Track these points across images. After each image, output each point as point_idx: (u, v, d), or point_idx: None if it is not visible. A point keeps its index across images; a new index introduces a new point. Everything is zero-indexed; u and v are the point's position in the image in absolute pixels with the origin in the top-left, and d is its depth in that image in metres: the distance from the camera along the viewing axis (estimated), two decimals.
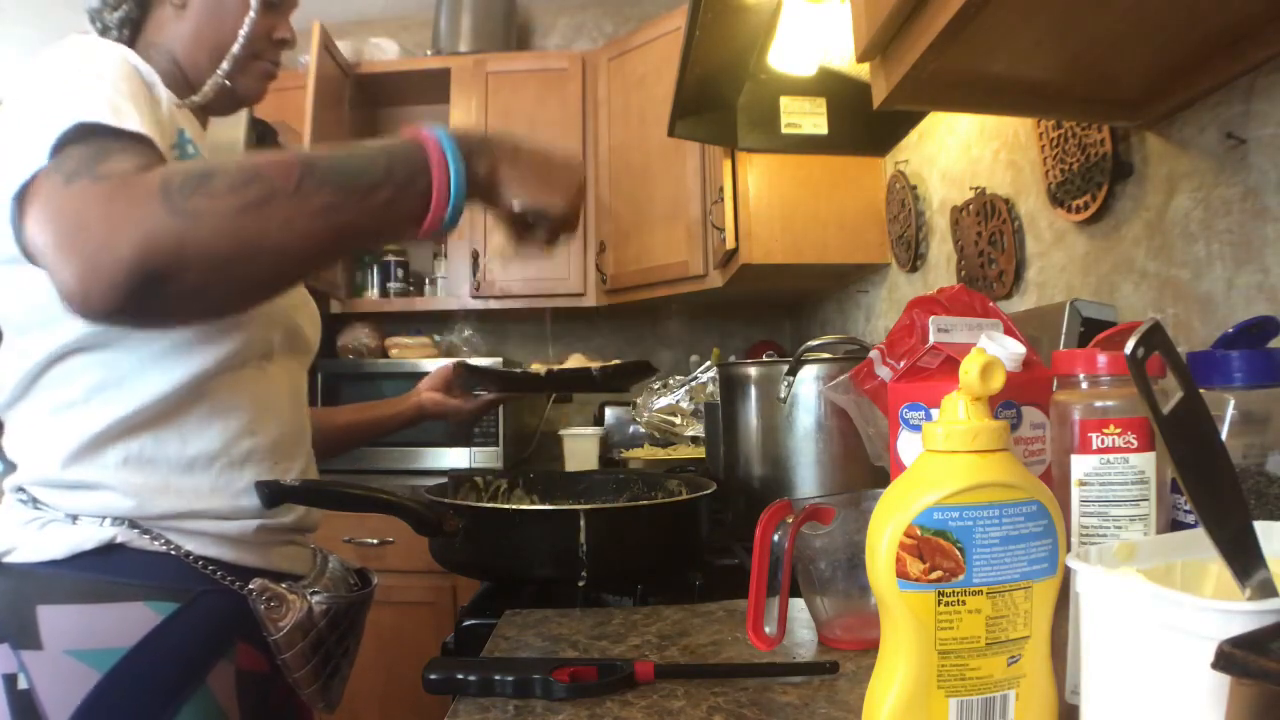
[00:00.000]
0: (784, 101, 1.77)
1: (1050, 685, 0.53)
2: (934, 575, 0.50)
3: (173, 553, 0.79)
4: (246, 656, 0.82)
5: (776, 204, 1.93)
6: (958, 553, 0.50)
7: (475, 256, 2.83)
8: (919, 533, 0.50)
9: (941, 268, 1.64)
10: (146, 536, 0.78)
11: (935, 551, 0.50)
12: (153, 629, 0.75)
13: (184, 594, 0.78)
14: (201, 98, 0.93)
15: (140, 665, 0.75)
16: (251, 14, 0.92)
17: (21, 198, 0.63)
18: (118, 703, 0.74)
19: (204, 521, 0.81)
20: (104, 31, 0.91)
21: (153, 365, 0.79)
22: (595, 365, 1.31)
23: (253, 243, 0.59)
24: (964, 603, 0.50)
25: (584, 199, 0.78)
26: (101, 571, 0.76)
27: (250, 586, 0.81)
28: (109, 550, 0.76)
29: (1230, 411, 0.58)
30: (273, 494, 0.89)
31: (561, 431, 2.77)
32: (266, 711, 0.86)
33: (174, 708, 0.75)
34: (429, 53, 3.09)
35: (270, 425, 0.88)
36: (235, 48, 0.92)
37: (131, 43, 0.91)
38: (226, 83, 0.93)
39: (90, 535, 0.77)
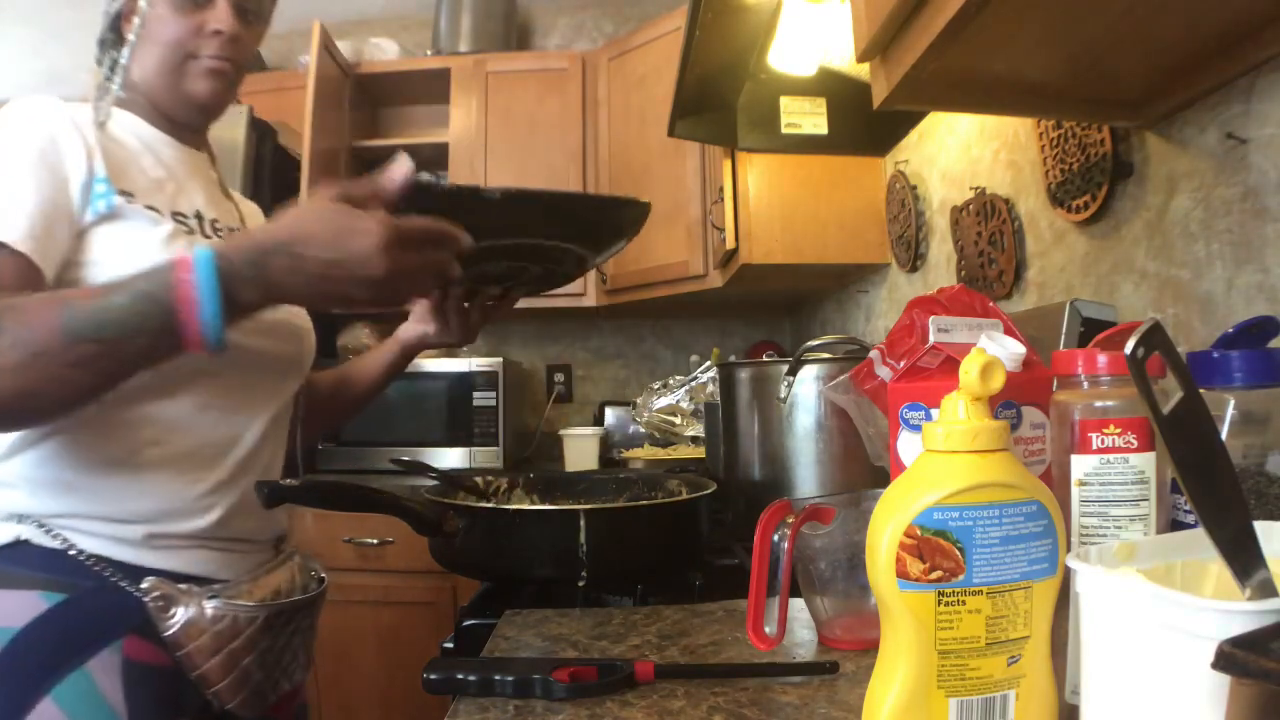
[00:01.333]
0: (784, 101, 1.77)
1: (1050, 685, 0.53)
2: (934, 575, 0.50)
3: (69, 551, 0.85)
4: (138, 649, 0.85)
5: (776, 204, 1.93)
6: (958, 553, 0.50)
7: None
8: (919, 533, 0.50)
9: (941, 268, 1.64)
10: (48, 535, 0.85)
11: (935, 551, 0.50)
12: (39, 614, 0.82)
13: (73, 587, 0.84)
14: (103, 106, 0.92)
15: (24, 645, 0.81)
16: (142, 3, 0.92)
17: None
18: (4, 674, 0.81)
19: (99, 523, 0.86)
20: (108, 76, 0.96)
21: None
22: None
23: (30, 391, 0.71)
24: (964, 603, 0.50)
25: (396, 255, 0.72)
26: (7, 564, 0.84)
27: (142, 585, 0.85)
28: (15, 546, 0.85)
29: (1230, 411, 0.58)
30: (271, 494, 0.89)
31: (561, 431, 2.77)
32: (169, 704, 0.88)
33: (48, 685, 0.81)
34: (429, 53, 3.09)
35: (179, 438, 0.90)
36: (128, 43, 0.93)
37: (125, 85, 0.96)
38: (127, 82, 0.94)
39: (2, 532, 0.85)
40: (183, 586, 0.87)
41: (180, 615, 0.85)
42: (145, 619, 0.85)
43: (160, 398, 0.88)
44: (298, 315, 1.05)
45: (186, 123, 0.99)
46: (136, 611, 0.85)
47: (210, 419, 0.93)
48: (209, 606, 0.86)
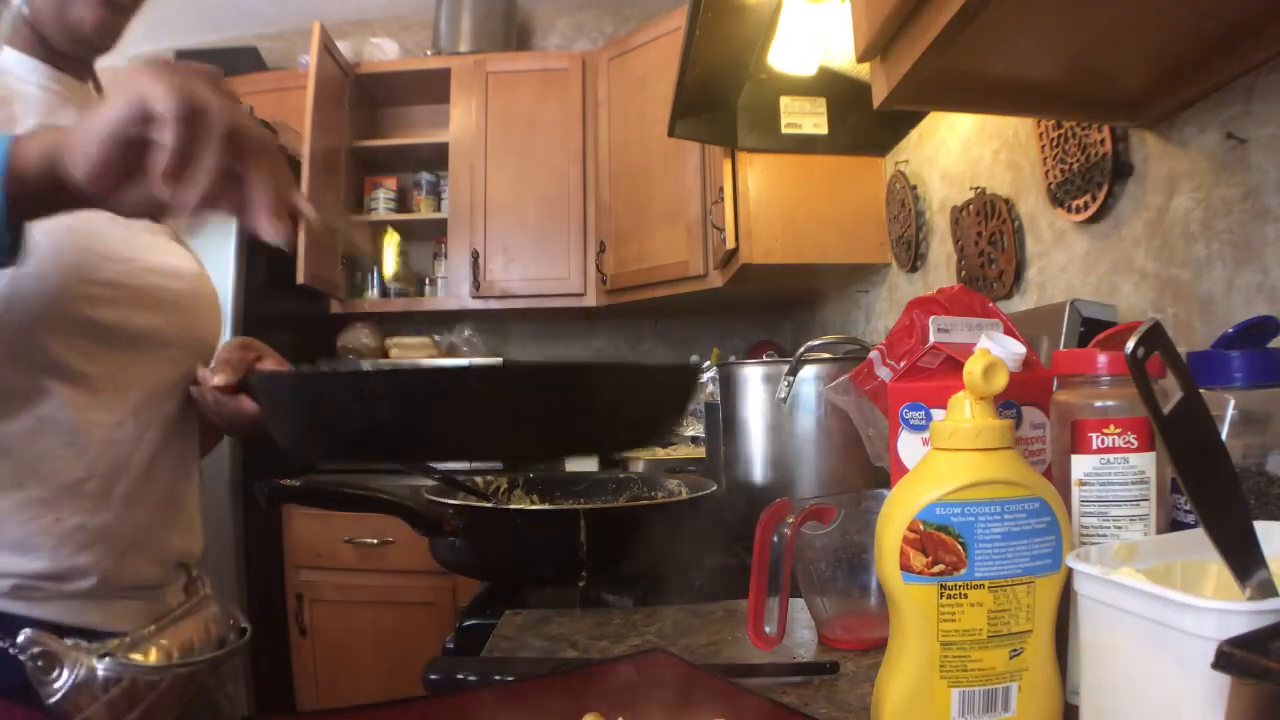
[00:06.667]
0: (784, 101, 1.77)
1: (1054, 680, 0.53)
2: (936, 569, 0.51)
3: None
4: (18, 718, 0.68)
5: (776, 204, 1.93)
6: (959, 547, 0.50)
7: (475, 256, 2.83)
8: (921, 527, 0.51)
9: (941, 268, 1.64)
10: None
11: (937, 546, 0.51)
12: None
13: None
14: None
15: None
16: None
17: None
18: None
19: None
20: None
21: None
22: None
23: None
24: (965, 596, 0.51)
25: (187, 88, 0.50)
26: None
27: (18, 640, 0.67)
28: None
29: (1230, 411, 0.58)
30: (272, 494, 0.89)
31: None
32: None
33: None
34: (429, 53, 3.09)
35: (27, 472, 0.70)
36: None
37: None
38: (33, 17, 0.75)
39: None
40: (69, 642, 0.69)
41: (65, 678, 0.67)
42: (24, 681, 0.67)
43: (7, 437, 0.68)
44: (184, 275, 0.81)
45: (71, 54, 0.79)
46: (13, 673, 0.67)
47: (70, 438, 0.71)
48: (100, 667, 0.69)
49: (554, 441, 0.63)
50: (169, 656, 0.74)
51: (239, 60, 3.10)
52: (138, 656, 0.71)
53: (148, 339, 0.76)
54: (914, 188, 1.74)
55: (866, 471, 1.24)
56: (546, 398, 0.56)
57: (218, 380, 0.78)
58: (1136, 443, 0.56)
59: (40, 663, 0.67)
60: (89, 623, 0.72)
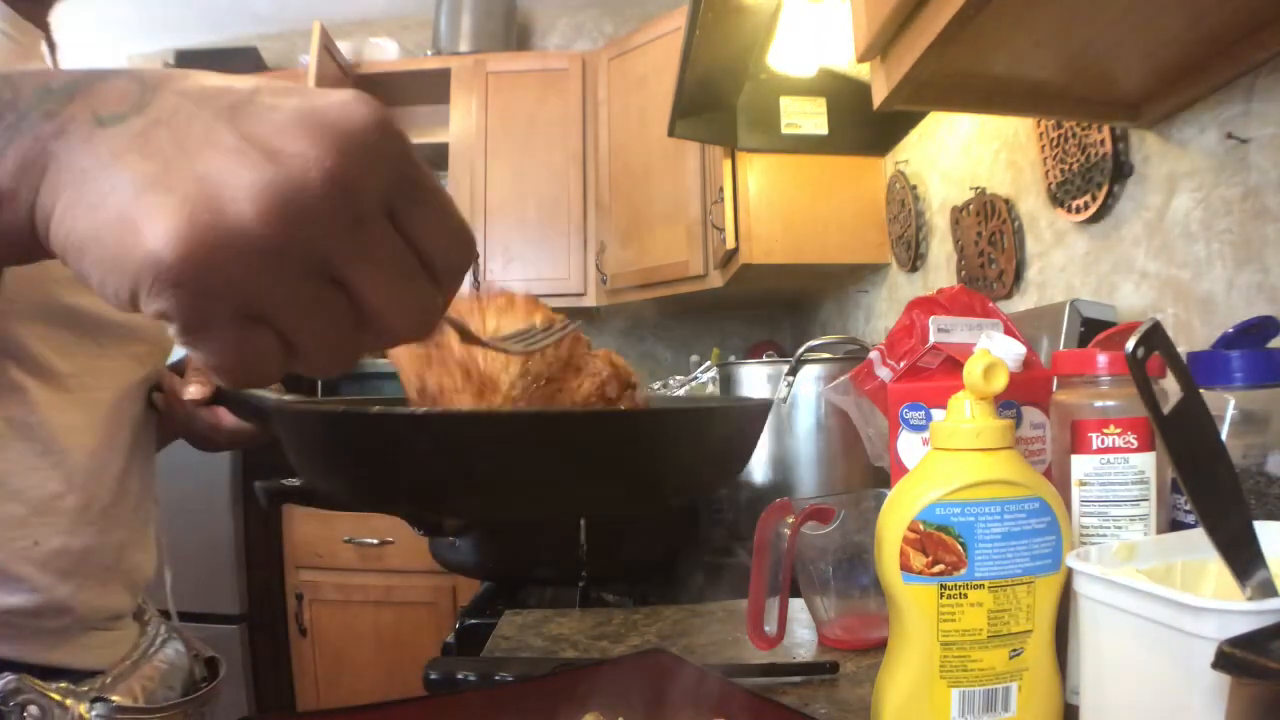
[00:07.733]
0: (784, 101, 1.77)
1: (1054, 680, 0.53)
2: (936, 569, 0.51)
3: None
4: None
5: (776, 204, 1.93)
6: (959, 547, 0.50)
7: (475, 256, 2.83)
8: (921, 527, 0.51)
9: (941, 268, 1.64)
10: None
11: (937, 546, 0.51)
12: None
13: None
14: None
15: None
16: None
17: None
18: None
19: None
20: None
21: None
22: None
23: None
24: (965, 596, 0.51)
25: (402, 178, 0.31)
26: None
27: None
28: None
29: (1230, 411, 0.58)
30: (272, 494, 0.89)
31: None
32: None
33: None
34: (429, 53, 3.09)
35: (22, 487, 0.59)
36: None
37: None
38: None
39: None
40: (57, 686, 0.58)
41: None
42: None
43: None
44: None
45: None
46: None
47: (44, 445, 0.60)
48: (93, 714, 0.59)
49: (633, 496, 0.49)
50: (152, 695, 0.66)
51: (239, 60, 3.10)
52: (120, 698, 0.62)
53: (121, 331, 0.66)
54: (914, 188, 1.74)
55: (866, 471, 1.25)
56: (631, 447, 0.45)
57: (192, 392, 0.69)
58: (1136, 443, 0.56)
59: (25, 713, 0.56)
60: (65, 661, 0.61)
